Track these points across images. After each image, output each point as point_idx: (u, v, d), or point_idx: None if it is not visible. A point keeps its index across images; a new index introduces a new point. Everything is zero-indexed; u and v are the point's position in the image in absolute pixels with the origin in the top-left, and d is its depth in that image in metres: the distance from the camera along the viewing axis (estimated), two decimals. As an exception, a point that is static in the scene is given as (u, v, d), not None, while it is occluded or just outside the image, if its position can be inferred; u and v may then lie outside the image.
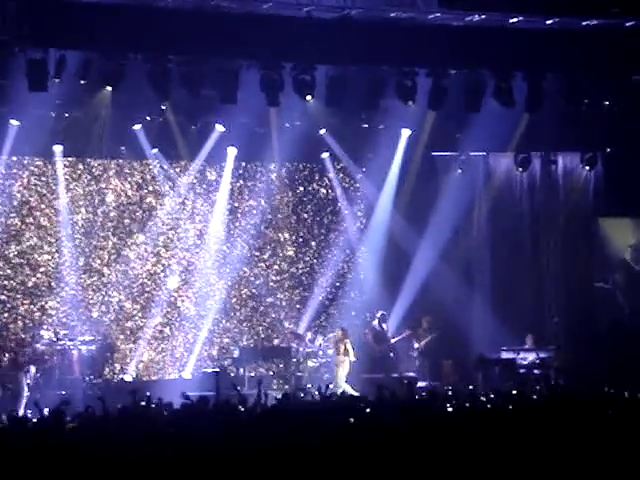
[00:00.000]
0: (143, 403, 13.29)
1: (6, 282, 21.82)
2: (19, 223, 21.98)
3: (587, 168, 23.75)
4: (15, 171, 21.89)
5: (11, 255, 21.89)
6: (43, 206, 22.16)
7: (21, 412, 17.76)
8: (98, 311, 22.33)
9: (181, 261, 23.09)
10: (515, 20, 19.38)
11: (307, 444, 9.72)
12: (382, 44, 18.62)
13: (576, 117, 21.52)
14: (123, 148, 22.16)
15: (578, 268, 23.79)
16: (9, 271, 21.83)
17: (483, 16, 19.18)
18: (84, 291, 22.31)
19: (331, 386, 17.70)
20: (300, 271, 23.99)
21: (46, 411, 12.76)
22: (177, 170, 23.06)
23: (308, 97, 19.51)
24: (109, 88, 19.07)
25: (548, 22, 19.49)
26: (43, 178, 22.17)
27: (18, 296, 21.85)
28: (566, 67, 20.16)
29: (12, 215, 21.90)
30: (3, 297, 21.75)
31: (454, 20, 19.32)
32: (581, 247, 23.91)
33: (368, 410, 12.01)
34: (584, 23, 19.63)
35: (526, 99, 20.43)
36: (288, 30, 18.50)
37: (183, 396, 13.15)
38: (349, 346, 21.13)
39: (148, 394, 14.00)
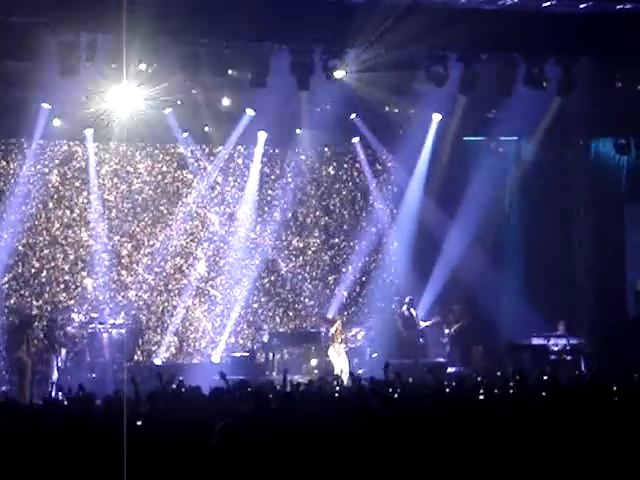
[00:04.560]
0: (174, 386, 13.32)
1: (42, 264, 21.94)
2: (51, 206, 22.08)
3: (620, 153, 23.56)
4: (47, 154, 21.99)
5: (44, 238, 22.00)
6: (74, 189, 22.25)
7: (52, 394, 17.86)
8: (128, 294, 22.42)
9: (210, 246, 23.12)
10: (548, 4, 19.20)
11: (333, 429, 9.71)
12: (413, 28, 18.48)
13: (609, 102, 21.32)
14: (154, 132, 22.16)
15: (610, 254, 23.61)
16: (43, 253, 21.95)
17: (516, 0, 19.02)
18: (115, 274, 22.41)
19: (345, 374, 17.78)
20: (330, 256, 23.96)
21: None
22: (207, 154, 23.08)
23: (337, 74, 19.21)
24: (140, 71, 19.06)
25: (581, 6, 19.30)
26: (74, 161, 22.27)
27: (53, 278, 21.99)
28: (599, 51, 19.96)
29: (45, 198, 22.00)
30: (41, 279, 21.92)
31: (486, 4, 19.15)
32: (613, 233, 23.73)
33: (396, 395, 11.97)
34: (618, 7, 19.43)
35: (559, 83, 20.27)
36: (319, 13, 18.41)
37: (220, 375, 13.17)
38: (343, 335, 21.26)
39: (181, 378, 14.03)
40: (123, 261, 22.54)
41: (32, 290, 21.89)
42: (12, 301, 21.68)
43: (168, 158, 22.96)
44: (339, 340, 20.99)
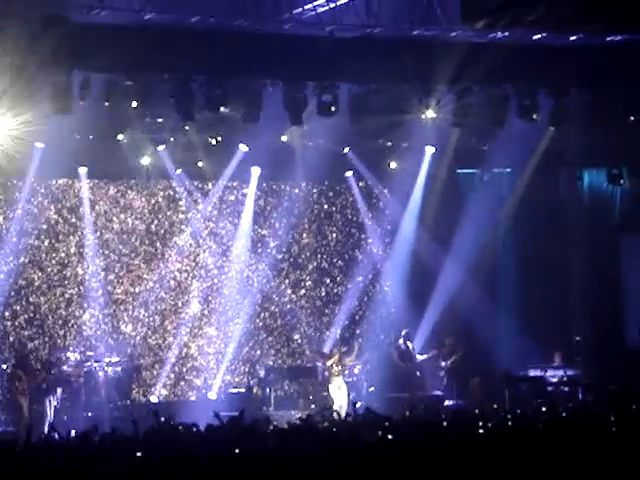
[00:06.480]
0: (172, 423, 13.23)
1: (39, 301, 21.87)
2: (46, 244, 22.05)
3: (613, 184, 23.63)
4: (41, 192, 21.98)
5: (38, 276, 21.95)
6: (68, 227, 22.23)
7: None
8: (124, 332, 22.35)
9: (204, 283, 23.06)
10: (539, 36, 19.31)
11: (331, 463, 9.66)
12: (405, 62, 18.58)
13: (601, 133, 21.40)
14: (147, 169, 22.19)
15: (606, 284, 23.61)
16: (40, 290, 21.90)
17: (506, 33, 19.12)
18: (110, 312, 22.35)
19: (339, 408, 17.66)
20: (326, 290, 23.93)
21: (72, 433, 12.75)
22: (200, 190, 23.08)
23: (332, 109, 19.29)
24: (133, 109, 19.11)
25: (572, 38, 19.41)
26: (68, 199, 22.26)
27: (50, 316, 21.92)
28: (590, 83, 20.07)
29: (39, 236, 21.97)
30: (35, 320, 21.85)
31: (477, 37, 19.26)
32: (608, 264, 23.74)
33: (392, 429, 11.91)
34: (608, 39, 19.54)
35: (551, 115, 20.35)
36: (311, 49, 18.50)
37: (215, 414, 13.04)
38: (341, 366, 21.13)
39: (176, 417, 13.94)
40: (119, 298, 22.48)
41: (29, 328, 21.80)
42: (9, 339, 21.60)
43: (162, 194, 22.95)
44: (336, 373, 20.86)
